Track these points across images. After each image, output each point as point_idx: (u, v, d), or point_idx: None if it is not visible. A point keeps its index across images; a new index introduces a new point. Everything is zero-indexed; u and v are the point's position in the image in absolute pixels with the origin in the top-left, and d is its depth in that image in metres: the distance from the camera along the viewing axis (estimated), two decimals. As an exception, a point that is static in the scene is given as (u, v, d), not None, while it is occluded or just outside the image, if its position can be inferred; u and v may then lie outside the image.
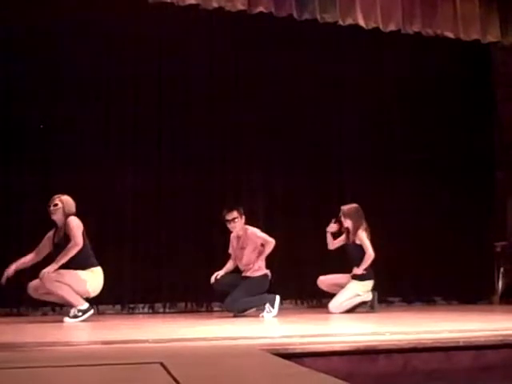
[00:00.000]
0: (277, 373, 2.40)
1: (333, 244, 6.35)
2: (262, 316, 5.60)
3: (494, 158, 7.81)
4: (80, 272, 5.20)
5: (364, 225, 6.21)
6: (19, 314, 6.08)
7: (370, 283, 6.16)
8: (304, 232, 7.10)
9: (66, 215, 5.31)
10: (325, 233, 6.33)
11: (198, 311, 6.60)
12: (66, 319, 5.13)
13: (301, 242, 7.10)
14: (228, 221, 5.86)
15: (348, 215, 6.23)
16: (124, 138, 6.66)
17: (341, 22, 6.42)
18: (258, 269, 5.85)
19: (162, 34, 6.77)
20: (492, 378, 3.36)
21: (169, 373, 2.24)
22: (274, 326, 4.96)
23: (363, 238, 6.16)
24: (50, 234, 5.41)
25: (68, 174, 6.40)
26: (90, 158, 6.48)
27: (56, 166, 6.37)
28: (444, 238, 7.46)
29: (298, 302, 7.05)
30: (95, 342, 3.62)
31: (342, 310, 6.01)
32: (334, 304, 6.04)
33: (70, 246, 5.17)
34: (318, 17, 6.35)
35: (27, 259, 5.33)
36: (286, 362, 2.66)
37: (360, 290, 6.12)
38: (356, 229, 6.20)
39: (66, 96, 6.51)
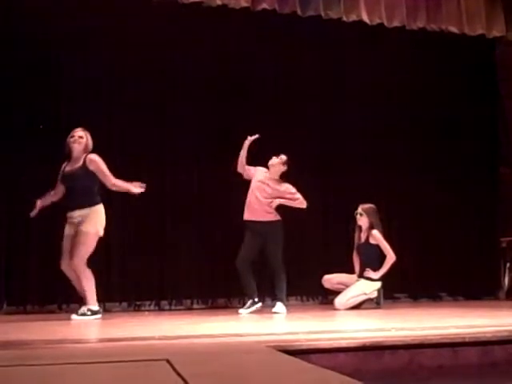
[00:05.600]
0: (283, 369, 2.40)
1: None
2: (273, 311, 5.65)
3: (498, 154, 7.79)
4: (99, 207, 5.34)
5: (380, 226, 6.23)
6: (26, 312, 6.10)
7: (378, 284, 6.17)
8: (309, 228, 7.09)
9: (87, 151, 5.40)
10: (329, 230, 6.33)
11: (203, 308, 6.60)
12: (74, 316, 5.14)
13: (306, 238, 7.10)
14: (272, 165, 6.01)
15: (366, 213, 6.25)
16: (127, 136, 6.64)
17: (345, 19, 6.42)
18: (272, 212, 5.97)
19: (166, 33, 6.75)
20: (498, 373, 3.36)
21: (175, 370, 2.25)
22: (279, 323, 4.97)
23: (381, 238, 6.18)
24: (61, 170, 5.49)
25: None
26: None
27: (58, 165, 6.36)
28: (449, 234, 7.44)
29: (304, 298, 7.05)
30: (102, 340, 3.64)
31: (347, 307, 6.02)
32: (340, 300, 6.05)
33: (109, 184, 5.35)
34: (322, 13, 6.35)
35: (48, 197, 5.45)
36: (292, 358, 2.67)
37: (368, 289, 6.13)
38: (370, 227, 6.21)
39: (67, 95, 6.50)
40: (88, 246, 5.23)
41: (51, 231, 5.97)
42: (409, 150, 7.42)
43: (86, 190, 5.31)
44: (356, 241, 6.38)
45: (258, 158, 6.17)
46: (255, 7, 6.24)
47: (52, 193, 5.48)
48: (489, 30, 6.86)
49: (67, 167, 5.46)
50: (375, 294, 6.17)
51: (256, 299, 5.81)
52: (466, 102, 7.63)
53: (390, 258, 6.14)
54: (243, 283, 5.85)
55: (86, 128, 5.51)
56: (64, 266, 5.30)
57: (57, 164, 5.64)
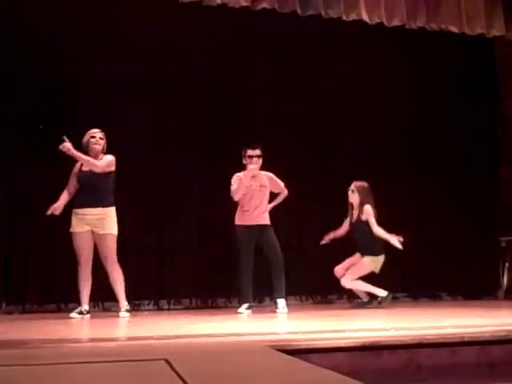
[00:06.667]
0: (282, 369, 2.40)
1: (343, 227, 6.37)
2: (278, 312, 5.65)
3: (497, 154, 7.78)
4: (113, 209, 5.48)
5: (372, 203, 6.21)
6: (24, 312, 6.10)
7: (381, 258, 6.16)
8: (309, 228, 7.09)
9: (104, 151, 5.54)
10: (329, 230, 6.35)
11: (202, 308, 6.60)
12: (74, 314, 5.22)
13: (305, 237, 7.09)
14: (252, 157, 5.81)
15: (357, 190, 6.24)
16: (127, 136, 6.63)
17: (344, 18, 6.42)
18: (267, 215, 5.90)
19: (165, 32, 6.75)
20: (497, 373, 3.35)
21: (173, 369, 2.25)
22: (278, 323, 4.97)
23: (371, 214, 6.11)
24: (76, 169, 5.53)
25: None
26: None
27: (58, 166, 6.36)
28: (449, 234, 7.44)
29: (303, 298, 7.04)
30: (101, 339, 3.63)
31: (352, 286, 6.10)
32: (346, 278, 6.08)
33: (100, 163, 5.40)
34: (322, 12, 6.34)
35: (62, 200, 5.46)
36: (291, 358, 2.67)
37: (372, 265, 6.13)
38: (361, 204, 6.19)
39: (68, 94, 6.48)
40: (113, 245, 5.43)
41: (51, 231, 5.97)
42: (409, 150, 7.41)
43: (102, 190, 5.41)
44: (349, 219, 6.35)
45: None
46: (255, 6, 6.24)
47: (65, 194, 5.48)
48: (488, 30, 6.87)
49: (84, 166, 5.49)
50: (377, 269, 6.13)
51: (252, 303, 5.81)
52: (465, 102, 7.62)
53: (376, 232, 6.05)
54: (245, 289, 5.79)
55: (86, 128, 5.54)
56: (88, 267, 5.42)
57: (57, 164, 5.66)
